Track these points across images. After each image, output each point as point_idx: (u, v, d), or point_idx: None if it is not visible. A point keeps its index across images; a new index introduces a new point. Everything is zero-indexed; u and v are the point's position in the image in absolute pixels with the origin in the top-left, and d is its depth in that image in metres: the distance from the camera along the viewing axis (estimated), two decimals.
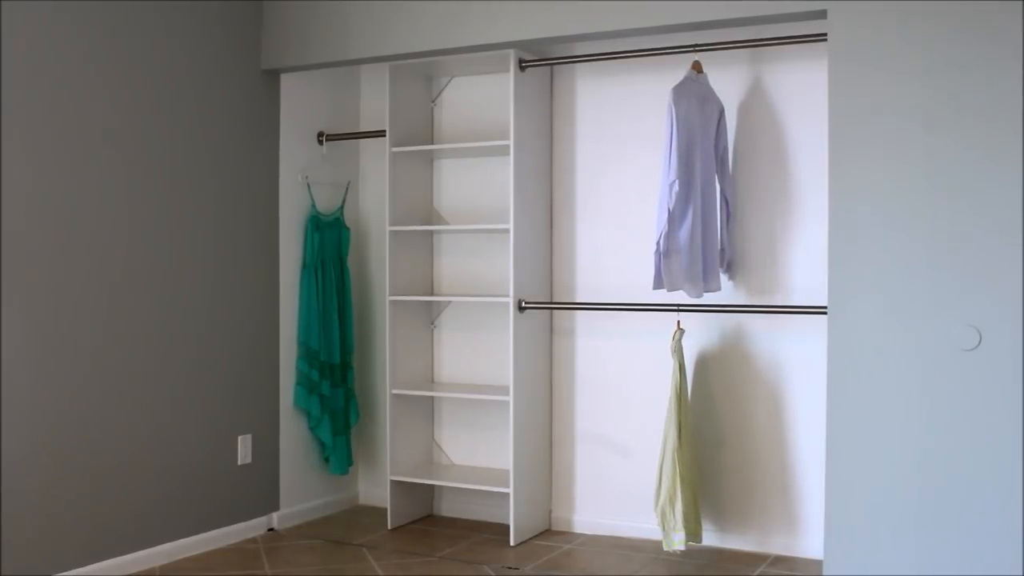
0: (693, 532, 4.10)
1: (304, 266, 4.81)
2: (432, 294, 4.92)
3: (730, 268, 4.24)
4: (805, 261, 4.15)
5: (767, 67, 4.21)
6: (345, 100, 5.14)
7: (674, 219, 3.94)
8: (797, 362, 4.17)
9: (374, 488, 5.12)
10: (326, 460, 4.90)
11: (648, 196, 4.30)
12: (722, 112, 4.11)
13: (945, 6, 3.32)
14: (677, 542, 3.98)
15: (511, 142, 4.34)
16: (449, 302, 4.93)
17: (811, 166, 4.10)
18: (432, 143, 4.91)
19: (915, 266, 3.38)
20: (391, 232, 4.65)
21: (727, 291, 4.25)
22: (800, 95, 4.14)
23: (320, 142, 4.96)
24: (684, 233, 3.96)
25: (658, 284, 3.97)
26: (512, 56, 4.30)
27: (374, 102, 5.09)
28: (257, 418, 4.60)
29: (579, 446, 4.65)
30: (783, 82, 4.19)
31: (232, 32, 4.48)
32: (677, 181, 3.92)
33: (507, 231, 4.45)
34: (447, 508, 4.95)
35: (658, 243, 3.94)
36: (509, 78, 4.37)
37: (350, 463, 4.97)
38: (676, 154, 3.94)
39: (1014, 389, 3.22)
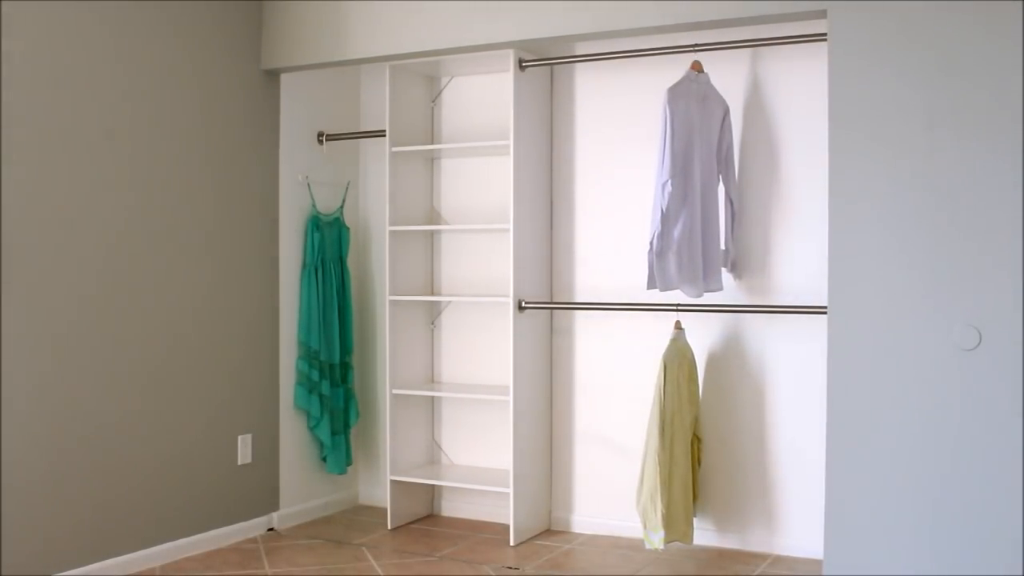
0: (683, 533, 4.09)
1: (304, 266, 4.81)
2: (432, 294, 4.92)
3: (735, 268, 4.24)
4: (804, 261, 4.14)
5: (767, 67, 4.21)
6: (345, 100, 5.14)
7: (668, 219, 3.93)
8: (796, 362, 4.17)
9: (374, 488, 5.12)
10: (323, 460, 4.90)
11: (648, 195, 4.29)
12: (727, 111, 4.10)
13: (945, 6, 3.32)
14: (657, 541, 3.98)
15: (511, 142, 4.34)
16: (449, 302, 4.93)
17: (811, 166, 4.09)
18: (432, 143, 4.91)
19: (915, 266, 3.38)
20: (391, 232, 4.65)
21: (727, 291, 4.24)
22: (800, 95, 4.14)
23: (320, 142, 4.96)
24: (678, 233, 3.95)
25: (651, 284, 3.97)
26: (512, 56, 4.30)
27: (374, 102, 5.09)
28: (257, 418, 4.60)
29: (579, 446, 4.66)
30: (783, 82, 4.19)
31: (232, 32, 4.48)
32: (670, 181, 3.92)
33: (507, 231, 4.45)
34: (447, 508, 4.95)
35: (651, 243, 3.94)
36: (509, 78, 4.37)
37: (348, 463, 4.97)
38: (670, 154, 3.94)
39: (1014, 389, 3.22)
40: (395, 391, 4.67)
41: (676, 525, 4.04)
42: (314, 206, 4.87)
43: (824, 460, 3.57)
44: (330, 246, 4.89)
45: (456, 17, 4.22)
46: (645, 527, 4.02)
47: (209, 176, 4.36)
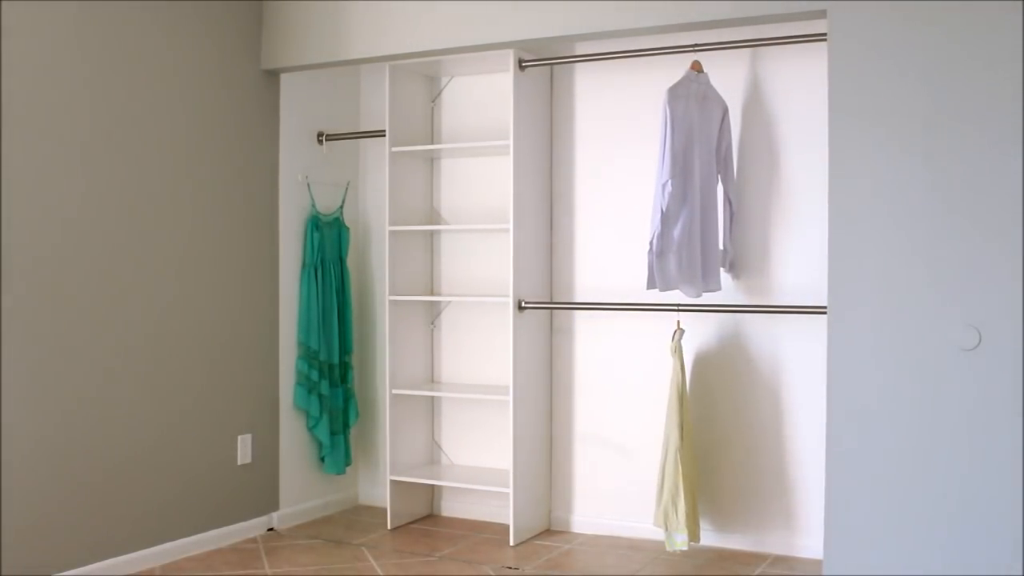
0: (692, 532, 4.09)
1: (304, 266, 4.81)
2: (432, 294, 4.92)
3: (733, 268, 4.24)
4: (804, 261, 4.15)
5: (767, 67, 4.21)
6: (345, 100, 5.14)
7: (668, 219, 3.93)
8: (796, 362, 4.17)
9: (374, 488, 5.12)
10: (321, 460, 4.90)
11: (648, 196, 4.29)
12: (725, 111, 4.10)
13: (945, 6, 3.32)
14: (680, 542, 3.98)
15: (511, 142, 4.34)
16: (449, 302, 4.93)
17: (811, 166, 4.09)
18: (432, 143, 4.91)
19: (915, 266, 3.38)
20: (391, 232, 4.65)
21: (726, 291, 4.24)
22: (800, 95, 4.14)
23: (320, 142, 4.96)
24: (678, 233, 3.95)
25: (651, 284, 3.97)
26: (512, 56, 4.30)
27: (374, 102, 5.09)
28: (257, 418, 4.60)
29: (578, 446, 4.66)
30: (783, 82, 4.19)
31: (232, 32, 4.48)
32: (670, 181, 3.92)
33: (507, 231, 4.45)
34: (447, 508, 4.95)
35: (651, 243, 3.94)
36: (509, 78, 4.37)
37: (348, 463, 4.97)
38: (670, 154, 3.94)
39: (1014, 389, 3.22)
40: (395, 391, 4.67)
41: (688, 525, 4.03)
42: (314, 206, 4.87)
43: (823, 460, 3.57)
44: (330, 246, 4.89)
45: (456, 17, 4.22)
46: (667, 528, 4.01)
47: (209, 176, 4.36)
